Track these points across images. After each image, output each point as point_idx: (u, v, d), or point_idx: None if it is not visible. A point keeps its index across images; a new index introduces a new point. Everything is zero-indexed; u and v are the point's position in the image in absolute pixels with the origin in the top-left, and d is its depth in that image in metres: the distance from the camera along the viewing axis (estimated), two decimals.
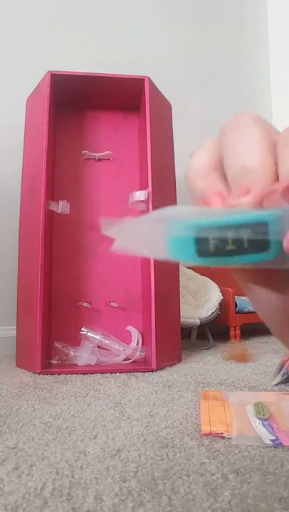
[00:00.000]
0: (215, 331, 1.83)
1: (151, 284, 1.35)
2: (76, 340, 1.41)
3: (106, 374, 1.26)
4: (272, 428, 0.76)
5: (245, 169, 0.16)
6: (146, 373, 1.27)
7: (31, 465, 0.64)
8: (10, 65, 1.85)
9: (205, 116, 2.26)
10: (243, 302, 1.82)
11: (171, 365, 1.37)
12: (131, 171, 1.59)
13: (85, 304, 1.49)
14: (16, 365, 1.40)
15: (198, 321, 1.72)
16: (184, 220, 0.15)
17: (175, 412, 0.89)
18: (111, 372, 1.28)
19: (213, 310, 1.77)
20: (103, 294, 1.52)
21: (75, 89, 1.51)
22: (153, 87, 1.51)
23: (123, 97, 1.55)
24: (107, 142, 1.60)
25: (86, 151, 1.57)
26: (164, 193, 1.47)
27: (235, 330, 1.84)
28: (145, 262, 1.44)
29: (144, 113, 1.48)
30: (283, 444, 0.70)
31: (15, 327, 1.46)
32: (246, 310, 1.81)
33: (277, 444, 0.70)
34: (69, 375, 1.25)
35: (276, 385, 1.10)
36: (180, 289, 1.59)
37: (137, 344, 1.43)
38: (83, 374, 1.26)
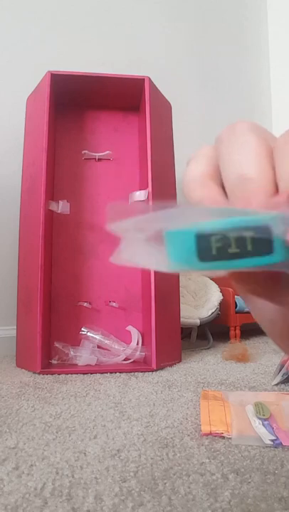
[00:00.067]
0: (215, 331, 1.83)
1: (151, 284, 1.35)
2: (76, 340, 1.41)
3: (106, 374, 1.26)
4: (272, 428, 0.76)
5: (242, 178, 0.16)
6: (146, 373, 1.27)
7: (31, 465, 0.64)
8: (10, 65, 1.84)
9: (205, 116, 2.26)
10: (243, 302, 1.82)
11: (171, 365, 1.37)
12: (131, 171, 1.59)
13: (85, 304, 1.49)
14: (16, 365, 1.40)
15: (198, 321, 1.72)
16: (184, 224, 0.15)
17: (175, 412, 0.89)
18: (111, 372, 1.28)
19: (213, 310, 1.77)
20: (103, 294, 1.52)
21: (75, 89, 1.51)
22: (153, 87, 1.51)
23: (123, 97, 1.55)
24: (107, 142, 1.60)
25: (86, 151, 1.57)
26: (164, 193, 1.47)
27: (235, 330, 1.84)
28: None
29: (144, 113, 1.48)
30: (283, 444, 0.70)
31: (15, 327, 1.46)
32: (246, 310, 1.81)
33: (277, 444, 0.70)
34: (69, 375, 1.25)
35: (276, 385, 1.10)
36: (180, 289, 1.59)
37: (137, 344, 1.43)
38: (83, 374, 1.26)
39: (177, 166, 1.58)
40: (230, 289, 1.83)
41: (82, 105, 1.59)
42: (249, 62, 2.54)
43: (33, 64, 1.82)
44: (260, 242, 0.14)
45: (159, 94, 1.57)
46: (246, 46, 2.54)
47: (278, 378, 1.10)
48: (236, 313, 1.83)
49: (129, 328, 1.48)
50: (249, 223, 0.14)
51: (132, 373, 1.27)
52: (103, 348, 1.40)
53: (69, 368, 1.30)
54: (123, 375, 1.25)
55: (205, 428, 0.77)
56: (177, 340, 1.47)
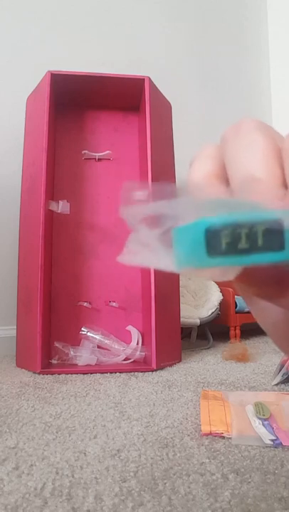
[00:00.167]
0: (215, 331, 1.83)
1: (151, 284, 1.35)
2: (76, 340, 1.41)
3: (106, 374, 1.26)
4: (272, 428, 0.76)
5: (251, 179, 0.15)
6: (146, 373, 1.27)
7: (31, 465, 0.64)
8: (10, 65, 1.85)
9: (205, 116, 2.26)
10: (243, 302, 1.82)
11: (171, 365, 1.37)
12: (131, 171, 1.59)
13: (85, 304, 1.49)
14: (16, 365, 1.40)
15: (198, 321, 1.72)
16: (193, 219, 0.14)
17: (175, 411, 0.89)
18: (111, 372, 1.28)
19: (213, 310, 1.77)
20: (103, 293, 1.52)
21: (75, 89, 1.51)
22: (153, 87, 1.51)
23: (123, 97, 1.55)
24: (107, 142, 1.60)
25: (86, 151, 1.57)
26: None
27: (235, 330, 1.84)
28: None
29: (144, 113, 1.48)
30: (283, 443, 0.70)
31: (15, 327, 1.46)
32: (246, 310, 1.81)
33: (277, 444, 0.70)
34: (69, 374, 1.25)
35: (276, 384, 1.10)
36: (180, 288, 1.59)
37: (137, 344, 1.43)
38: (83, 374, 1.26)
39: (177, 166, 1.58)
40: (230, 289, 1.83)
41: (82, 105, 1.59)
42: (249, 62, 2.54)
43: (33, 64, 1.82)
44: (272, 237, 0.14)
45: (159, 94, 1.57)
46: (246, 46, 2.54)
47: (278, 378, 1.10)
48: (236, 313, 1.83)
49: (129, 328, 1.48)
50: (260, 217, 0.14)
51: (132, 373, 1.27)
52: (103, 348, 1.40)
53: (69, 367, 1.30)
54: (123, 375, 1.25)
55: (205, 428, 0.77)
56: (177, 340, 1.47)
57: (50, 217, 1.46)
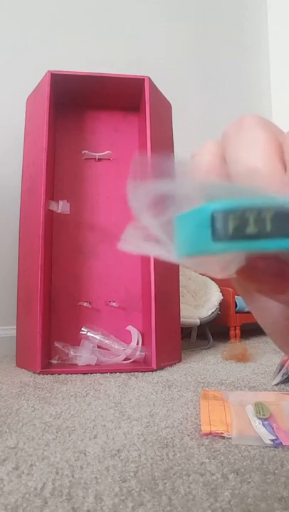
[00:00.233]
0: (215, 331, 1.84)
1: (151, 284, 1.35)
2: (76, 340, 1.41)
3: (106, 374, 1.26)
4: (272, 428, 0.76)
5: (253, 174, 0.15)
6: (146, 373, 1.27)
7: (31, 465, 0.64)
8: (10, 65, 1.85)
9: (205, 116, 2.26)
10: (243, 302, 1.82)
11: (171, 365, 1.37)
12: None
13: (85, 304, 1.49)
14: (16, 365, 1.40)
15: (198, 321, 1.72)
16: (197, 203, 0.14)
17: (175, 411, 0.89)
18: (111, 372, 1.28)
19: (213, 310, 1.77)
20: (103, 293, 1.52)
21: (75, 89, 1.51)
22: (153, 87, 1.51)
23: (123, 97, 1.55)
24: (107, 142, 1.60)
25: (86, 151, 1.57)
26: None
27: (235, 330, 1.84)
28: (145, 261, 1.44)
29: (144, 113, 1.48)
30: (283, 443, 0.70)
31: (15, 327, 1.46)
32: (246, 310, 1.81)
33: (277, 444, 0.70)
34: (69, 374, 1.25)
35: (276, 384, 1.10)
36: (180, 288, 1.59)
37: (137, 344, 1.43)
38: (83, 374, 1.26)
39: None
40: (230, 289, 1.83)
41: (82, 105, 1.59)
42: (249, 62, 2.54)
43: (33, 64, 1.82)
44: (280, 223, 0.13)
45: (159, 94, 1.57)
46: (246, 46, 2.54)
47: (278, 378, 1.10)
48: (236, 313, 1.83)
49: (129, 328, 1.48)
50: (269, 203, 0.13)
51: (132, 373, 1.27)
52: (103, 348, 1.40)
53: (69, 367, 1.30)
54: (123, 375, 1.25)
55: (205, 428, 0.77)
56: (177, 340, 1.47)
57: (50, 217, 1.46)
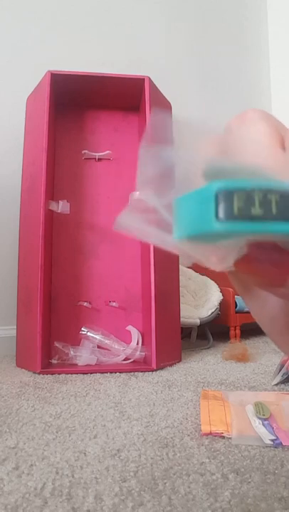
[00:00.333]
0: (215, 331, 1.83)
1: (151, 284, 1.35)
2: (76, 340, 1.41)
3: (106, 374, 1.26)
4: (272, 428, 0.76)
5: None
6: (146, 373, 1.27)
7: (31, 465, 0.64)
8: (10, 65, 1.85)
9: (205, 117, 2.26)
10: (243, 302, 1.82)
11: (171, 365, 1.37)
12: (131, 171, 1.59)
13: (85, 304, 1.49)
14: (16, 365, 1.40)
15: (198, 321, 1.72)
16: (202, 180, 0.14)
17: (175, 411, 0.89)
18: (111, 372, 1.28)
19: (213, 310, 1.77)
20: (103, 293, 1.52)
21: (75, 89, 1.51)
22: (153, 87, 1.51)
23: (123, 97, 1.55)
24: (107, 142, 1.60)
25: (86, 151, 1.57)
26: None
27: (235, 330, 1.84)
28: (145, 261, 1.44)
29: (144, 113, 1.48)
30: (283, 443, 0.70)
31: (15, 327, 1.46)
32: (246, 310, 1.81)
33: (277, 444, 0.70)
34: (69, 374, 1.25)
35: (276, 384, 1.10)
36: (180, 288, 1.59)
37: (137, 344, 1.43)
38: (83, 374, 1.26)
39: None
40: (230, 289, 1.83)
41: (82, 105, 1.59)
42: (249, 62, 2.54)
43: (33, 64, 1.82)
44: (286, 207, 0.13)
45: (159, 94, 1.57)
46: (246, 46, 2.54)
47: (278, 378, 1.10)
48: (236, 313, 1.83)
49: (129, 328, 1.48)
50: (276, 186, 0.13)
51: (132, 373, 1.27)
52: (103, 348, 1.40)
53: (69, 367, 1.30)
54: (123, 374, 1.25)
55: (205, 428, 0.77)
56: (177, 340, 1.47)
57: (50, 217, 1.46)
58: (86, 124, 1.61)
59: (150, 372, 1.27)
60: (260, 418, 0.79)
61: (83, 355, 1.34)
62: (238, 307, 1.83)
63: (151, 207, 0.16)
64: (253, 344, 1.76)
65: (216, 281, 1.88)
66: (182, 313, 1.59)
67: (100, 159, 1.59)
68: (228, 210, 0.13)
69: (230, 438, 0.73)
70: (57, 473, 0.61)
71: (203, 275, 1.93)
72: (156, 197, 0.15)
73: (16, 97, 1.74)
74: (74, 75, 1.45)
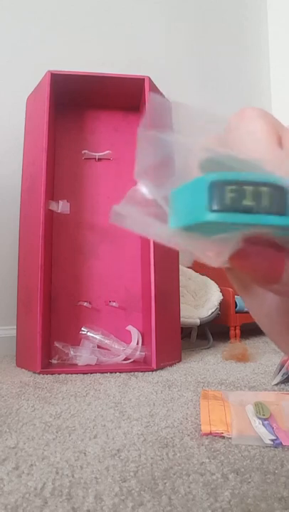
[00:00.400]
0: (215, 331, 1.83)
1: (151, 283, 1.35)
2: (76, 340, 1.41)
3: (106, 374, 1.26)
4: (272, 428, 0.76)
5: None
6: (146, 373, 1.27)
7: (31, 465, 0.64)
8: (10, 65, 1.85)
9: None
10: (243, 302, 1.82)
11: (171, 365, 1.37)
12: (131, 171, 1.58)
13: (85, 304, 1.49)
14: (16, 364, 1.40)
15: (198, 321, 1.72)
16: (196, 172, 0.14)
17: (175, 411, 0.89)
18: (111, 372, 1.28)
19: (213, 310, 1.77)
20: (103, 293, 1.52)
21: (75, 89, 1.51)
22: (153, 87, 1.51)
23: (123, 97, 1.55)
24: (107, 142, 1.60)
25: (86, 151, 1.57)
26: None
27: (235, 330, 1.84)
28: (145, 261, 1.44)
29: (144, 113, 1.48)
30: (283, 443, 0.70)
31: (15, 327, 1.46)
32: (246, 310, 1.81)
33: (277, 444, 0.70)
34: (69, 374, 1.25)
35: (276, 384, 1.10)
36: (180, 288, 1.59)
37: (137, 344, 1.43)
38: (83, 374, 1.26)
39: None
40: (230, 289, 1.83)
41: (82, 105, 1.59)
42: (249, 62, 2.54)
43: (33, 64, 1.82)
44: (277, 200, 0.14)
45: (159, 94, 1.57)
46: (246, 46, 2.54)
47: (278, 378, 1.10)
48: (236, 313, 1.83)
49: (129, 327, 1.48)
50: (266, 179, 0.14)
51: (132, 373, 1.27)
52: (103, 348, 1.40)
53: (69, 367, 1.30)
54: (123, 374, 1.25)
55: (205, 428, 0.77)
56: (177, 340, 1.47)
57: (50, 217, 1.46)
58: (86, 124, 1.61)
59: (150, 372, 1.27)
60: (260, 418, 0.79)
61: (83, 355, 1.34)
62: (238, 307, 1.83)
63: (148, 198, 0.16)
64: (253, 344, 1.76)
65: (216, 281, 1.88)
66: (182, 313, 1.59)
67: (100, 159, 1.59)
68: (220, 202, 0.13)
69: (230, 438, 0.73)
70: (57, 473, 0.61)
71: (203, 275, 1.93)
72: (154, 187, 0.16)
73: (16, 97, 1.74)
74: (74, 75, 1.45)
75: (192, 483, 0.57)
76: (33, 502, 0.53)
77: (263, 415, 0.80)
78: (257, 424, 0.77)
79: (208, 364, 1.40)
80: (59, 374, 1.25)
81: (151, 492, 0.55)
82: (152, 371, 1.29)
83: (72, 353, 1.35)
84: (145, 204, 0.16)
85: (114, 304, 1.50)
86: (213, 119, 0.17)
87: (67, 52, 1.95)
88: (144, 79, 1.48)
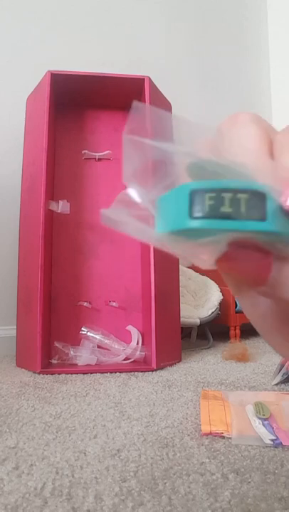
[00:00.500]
0: (215, 331, 1.83)
1: (151, 283, 1.35)
2: (76, 340, 1.41)
3: (106, 374, 1.26)
4: (272, 428, 0.76)
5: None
6: (146, 373, 1.27)
7: (31, 465, 0.64)
8: (10, 65, 1.85)
9: (205, 117, 2.26)
10: None
11: (171, 365, 1.37)
12: None
13: (85, 304, 1.49)
14: (16, 364, 1.40)
15: (198, 321, 1.72)
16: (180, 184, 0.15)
17: (175, 411, 0.89)
18: (111, 372, 1.28)
19: (213, 310, 1.77)
20: (103, 293, 1.52)
21: (75, 89, 1.51)
22: (153, 87, 1.51)
23: (123, 97, 1.55)
24: (107, 142, 1.60)
25: (86, 151, 1.57)
26: None
27: (235, 330, 1.84)
28: (145, 261, 1.44)
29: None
30: (283, 443, 0.70)
31: (15, 327, 1.46)
32: None
33: (277, 444, 0.70)
34: (69, 374, 1.25)
35: (276, 384, 1.10)
36: (180, 288, 1.59)
37: (137, 344, 1.43)
38: (83, 374, 1.26)
39: None
40: None
41: (82, 105, 1.59)
42: (249, 62, 2.54)
43: (33, 64, 1.82)
44: (254, 206, 0.14)
45: (159, 94, 1.57)
46: (246, 46, 2.54)
47: (278, 378, 1.10)
48: (236, 313, 1.83)
49: (129, 327, 1.48)
50: (245, 186, 0.14)
51: (132, 373, 1.27)
52: (103, 348, 1.40)
53: (69, 367, 1.30)
54: (123, 374, 1.25)
55: (205, 428, 0.77)
56: (177, 340, 1.47)
57: (50, 217, 1.46)
58: (86, 124, 1.61)
59: (150, 372, 1.27)
60: (260, 418, 0.79)
61: (83, 355, 1.34)
62: (238, 307, 1.83)
63: (137, 202, 0.16)
64: (253, 344, 1.76)
65: (216, 281, 1.88)
66: (182, 313, 1.59)
67: (100, 159, 1.59)
68: (200, 209, 0.14)
69: (230, 438, 0.73)
70: (57, 473, 0.61)
71: (203, 275, 1.93)
72: (143, 192, 0.16)
73: (16, 97, 1.74)
74: (74, 75, 1.45)
75: (192, 483, 0.57)
76: (33, 502, 0.53)
77: (263, 415, 0.80)
78: (257, 424, 0.77)
79: (208, 364, 1.40)
80: (59, 374, 1.25)
81: (151, 492, 0.55)
82: (152, 371, 1.29)
83: (72, 353, 1.35)
84: (134, 207, 0.16)
85: (114, 304, 1.50)
86: (206, 129, 0.17)
87: (67, 52, 1.95)
88: (144, 79, 1.48)
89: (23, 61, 1.86)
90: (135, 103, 0.17)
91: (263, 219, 0.14)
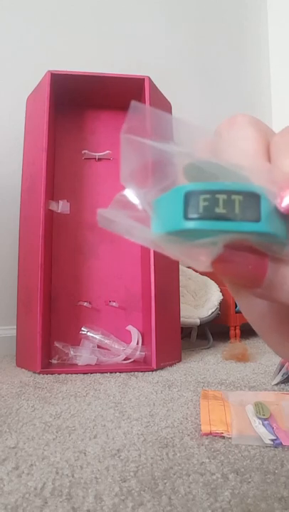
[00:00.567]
0: (215, 331, 1.83)
1: (151, 283, 1.35)
2: (76, 340, 1.41)
3: (106, 374, 1.26)
4: (272, 428, 0.76)
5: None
6: (146, 373, 1.27)
7: (31, 465, 0.64)
8: (10, 65, 1.85)
9: (205, 117, 2.26)
10: None
11: (171, 365, 1.37)
12: None
13: (85, 304, 1.49)
14: (16, 364, 1.40)
15: (198, 321, 1.72)
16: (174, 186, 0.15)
17: (175, 411, 0.89)
18: (111, 372, 1.28)
19: (213, 310, 1.77)
20: (103, 293, 1.52)
21: (75, 89, 1.51)
22: (153, 87, 1.51)
23: (123, 97, 1.55)
24: (107, 142, 1.60)
25: (86, 151, 1.57)
26: None
27: (235, 330, 1.84)
28: (145, 261, 1.44)
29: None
30: (283, 443, 0.70)
31: (15, 327, 1.46)
32: None
33: (277, 444, 0.70)
34: (69, 374, 1.25)
35: (276, 384, 1.10)
36: (180, 288, 1.59)
37: (137, 344, 1.43)
38: (83, 374, 1.26)
39: None
40: None
41: (82, 105, 1.59)
42: (249, 62, 2.54)
43: (33, 64, 1.82)
44: (248, 208, 0.14)
45: (159, 94, 1.57)
46: (246, 46, 2.54)
47: (278, 378, 1.11)
48: (236, 313, 1.83)
49: (129, 327, 1.48)
50: (239, 188, 0.14)
51: (132, 373, 1.27)
52: (103, 348, 1.40)
53: (69, 367, 1.30)
54: (123, 374, 1.25)
55: (205, 428, 0.77)
56: (177, 340, 1.47)
57: (50, 217, 1.46)
58: (86, 124, 1.61)
59: (150, 372, 1.27)
60: (260, 418, 0.79)
61: (83, 355, 1.34)
62: (238, 307, 1.83)
63: (134, 203, 0.16)
64: (253, 344, 1.76)
65: (216, 281, 1.88)
66: (182, 313, 1.59)
67: (100, 159, 1.59)
68: (194, 210, 0.14)
69: (230, 438, 0.73)
70: (57, 473, 0.61)
71: (203, 275, 1.93)
72: (140, 192, 0.16)
73: (16, 97, 1.74)
74: (74, 74, 1.45)
75: (192, 483, 0.57)
76: (33, 502, 0.53)
77: (263, 415, 0.80)
78: (257, 424, 0.77)
79: (208, 364, 1.40)
80: (59, 374, 1.25)
81: (151, 492, 0.55)
82: (152, 371, 1.29)
83: (72, 353, 1.35)
84: (131, 208, 0.16)
85: (114, 303, 1.50)
86: (205, 131, 0.17)
87: (67, 52, 1.95)
88: (144, 79, 1.48)
89: (23, 61, 1.86)
90: (133, 103, 0.17)
91: (257, 220, 0.14)
